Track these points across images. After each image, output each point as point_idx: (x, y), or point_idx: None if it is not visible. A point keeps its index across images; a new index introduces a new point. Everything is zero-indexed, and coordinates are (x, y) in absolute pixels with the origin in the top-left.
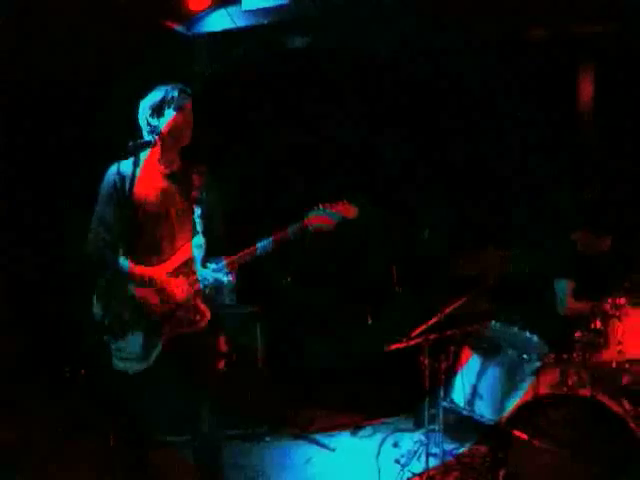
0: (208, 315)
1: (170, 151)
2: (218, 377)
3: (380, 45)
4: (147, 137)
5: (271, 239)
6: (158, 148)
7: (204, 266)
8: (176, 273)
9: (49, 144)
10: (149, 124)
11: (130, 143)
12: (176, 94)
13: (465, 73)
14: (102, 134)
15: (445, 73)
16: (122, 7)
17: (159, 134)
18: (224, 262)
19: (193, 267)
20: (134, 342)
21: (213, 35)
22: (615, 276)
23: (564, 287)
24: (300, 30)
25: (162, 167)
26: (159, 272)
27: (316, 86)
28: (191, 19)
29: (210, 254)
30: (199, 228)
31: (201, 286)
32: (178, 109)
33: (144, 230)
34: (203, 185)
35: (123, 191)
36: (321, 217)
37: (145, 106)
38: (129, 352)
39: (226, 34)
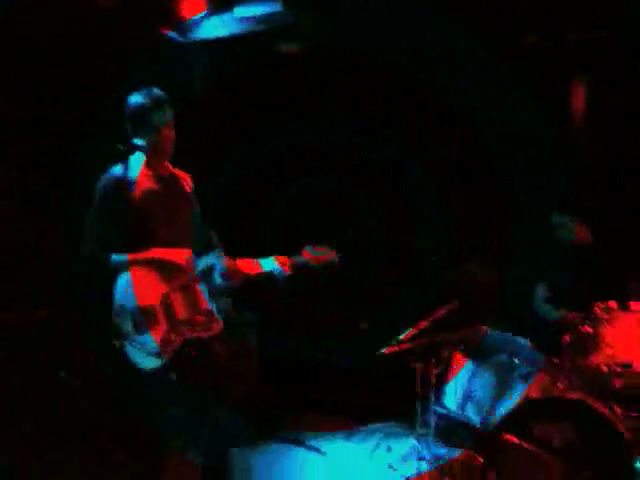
0: (220, 322)
1: (160, 155)
2: (229, 382)
3: (376, 46)
4: (136, 141)
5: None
6: (149, 152)
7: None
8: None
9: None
10: (136, 129)
11: (120, 147)
12: (162, 105)
13: None
14: (96, 139)
15: None
16: (115, 14)
17: (148, 139)
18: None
19: (213, 275)
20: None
21: (207, 42)
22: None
23: (539, 293)
24: (293, 36)
25: (154, 170)
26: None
27: (312, 92)
28: (185, 26)
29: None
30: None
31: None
32: (165, 123)
33: (151, 236)
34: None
35: (118, 195)
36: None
37: (132, 110)
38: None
39: (219, 41)
